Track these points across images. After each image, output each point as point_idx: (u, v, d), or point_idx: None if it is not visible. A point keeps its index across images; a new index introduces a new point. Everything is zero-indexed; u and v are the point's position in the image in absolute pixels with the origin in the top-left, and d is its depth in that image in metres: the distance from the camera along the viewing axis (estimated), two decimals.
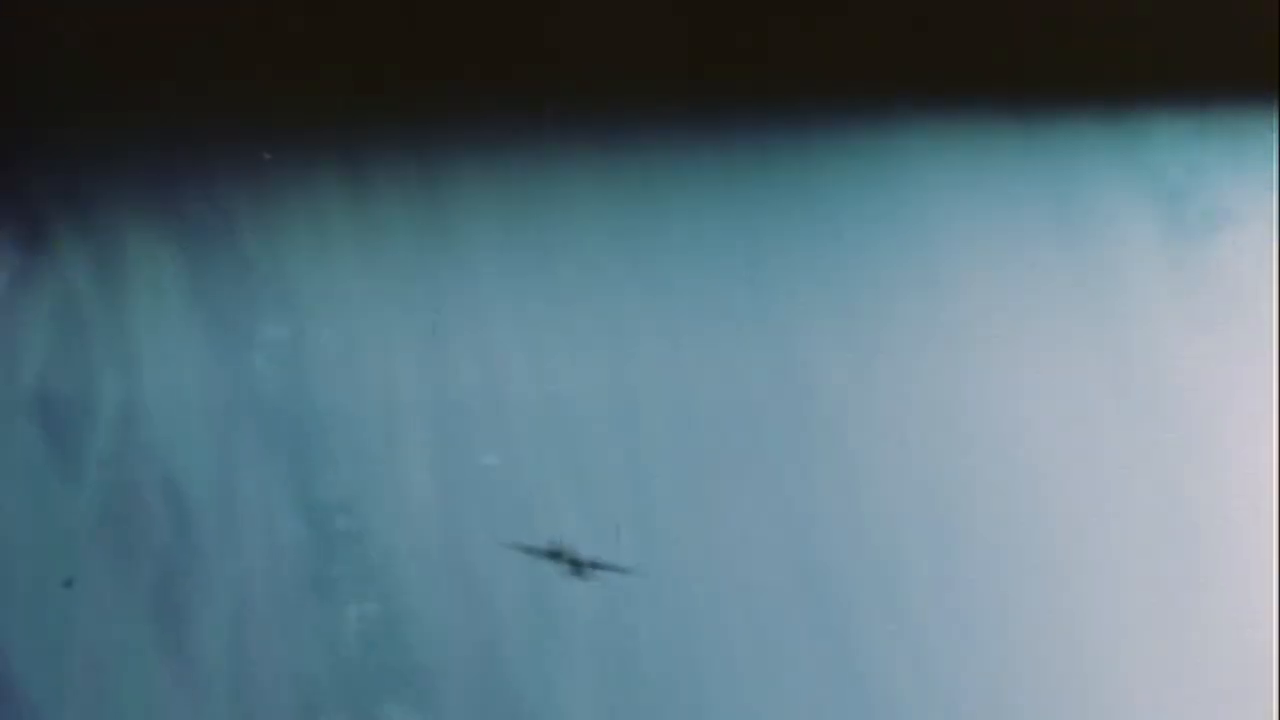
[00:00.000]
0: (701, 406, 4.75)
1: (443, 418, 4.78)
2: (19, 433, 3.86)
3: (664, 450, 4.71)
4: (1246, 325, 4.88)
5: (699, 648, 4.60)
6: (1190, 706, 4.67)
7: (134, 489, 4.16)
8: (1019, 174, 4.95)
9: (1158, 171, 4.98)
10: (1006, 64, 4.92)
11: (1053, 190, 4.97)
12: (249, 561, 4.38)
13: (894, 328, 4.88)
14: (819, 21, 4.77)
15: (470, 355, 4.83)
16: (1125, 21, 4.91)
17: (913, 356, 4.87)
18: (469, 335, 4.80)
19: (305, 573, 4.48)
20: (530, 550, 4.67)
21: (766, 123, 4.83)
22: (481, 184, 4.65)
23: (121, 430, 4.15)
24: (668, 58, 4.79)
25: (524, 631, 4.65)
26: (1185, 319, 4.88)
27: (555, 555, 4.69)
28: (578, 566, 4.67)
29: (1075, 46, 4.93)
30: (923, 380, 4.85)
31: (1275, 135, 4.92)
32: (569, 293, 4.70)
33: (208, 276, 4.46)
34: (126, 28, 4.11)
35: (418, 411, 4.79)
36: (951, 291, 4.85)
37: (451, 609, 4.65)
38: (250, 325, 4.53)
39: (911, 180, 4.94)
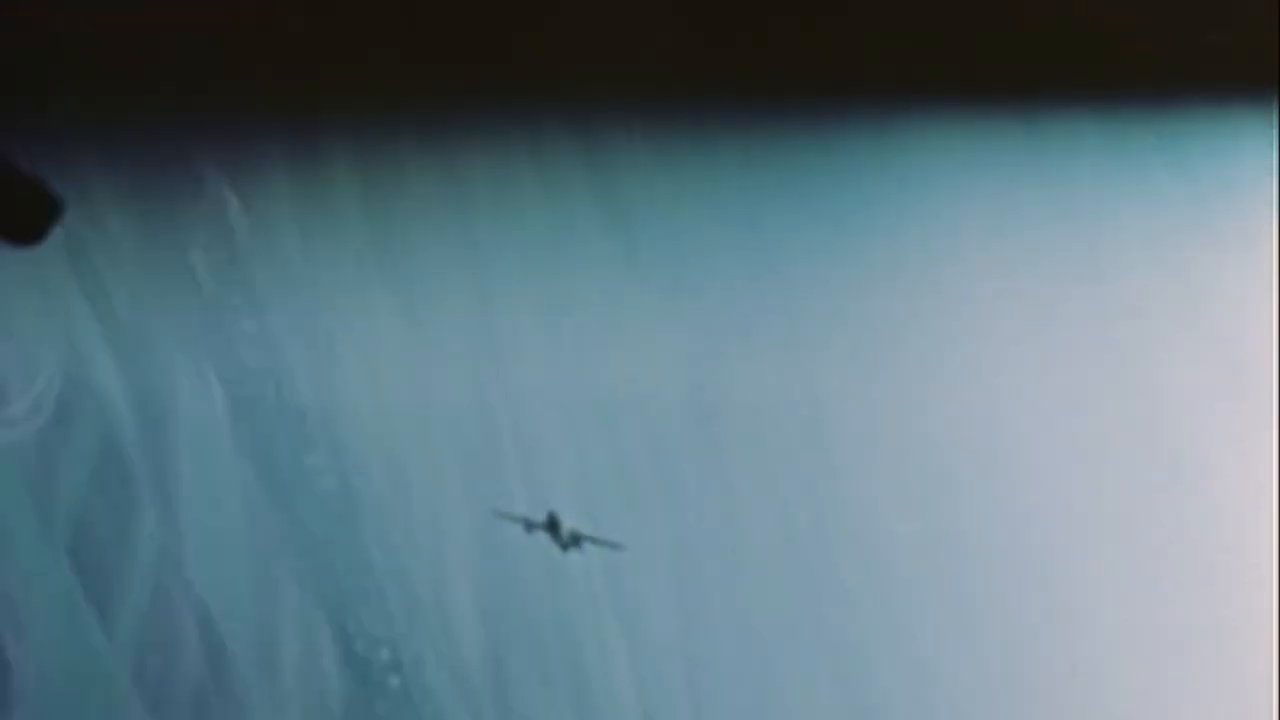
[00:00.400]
0: (714, 408, 4.69)
1: (495, 568, 4.71)
2: (53, 574, 3.76)
3: (686, 454, 4.64)
4: (1247, 323, 4.83)
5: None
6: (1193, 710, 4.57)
7: (172, 633, 4.05)
8: (1020, 172, 4.91)
9: (1157, 170, 4.95)
10: (1008, 64, 4.87)
11: (1052, 187, 4.95)
12: (288, 712, 4.25)
13: (893, 326, 4.81)
14: (819, 21, 4.72)
15: (525, 502, 4.77)
16: (1126, 22, 4.87)
17: (912, 356, 4.81)
18: (526, 494, 4.75)
19: None
20: (525, 521, 4.56)
21: (770, 123, 4.79)
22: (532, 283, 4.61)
23: (161, 573, 4.05)
24: (670, 57, 4.74)
25: None
26: (1185, 317, 4.85)
27: (551, 527, 4.60)
28: (575, 539, 4.59)
29: (1075, 46, 4.89)
30: (920, 377, 4.79)
31: (1275, 135, 4.90)
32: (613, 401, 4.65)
33: (257, 420, 4.39)
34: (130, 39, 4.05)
35: (470, 562, 4.71)
36: (953, 289, 4.80)
37: None
38: (299, 470, 4.45)
39: (912, 180, 4.89)
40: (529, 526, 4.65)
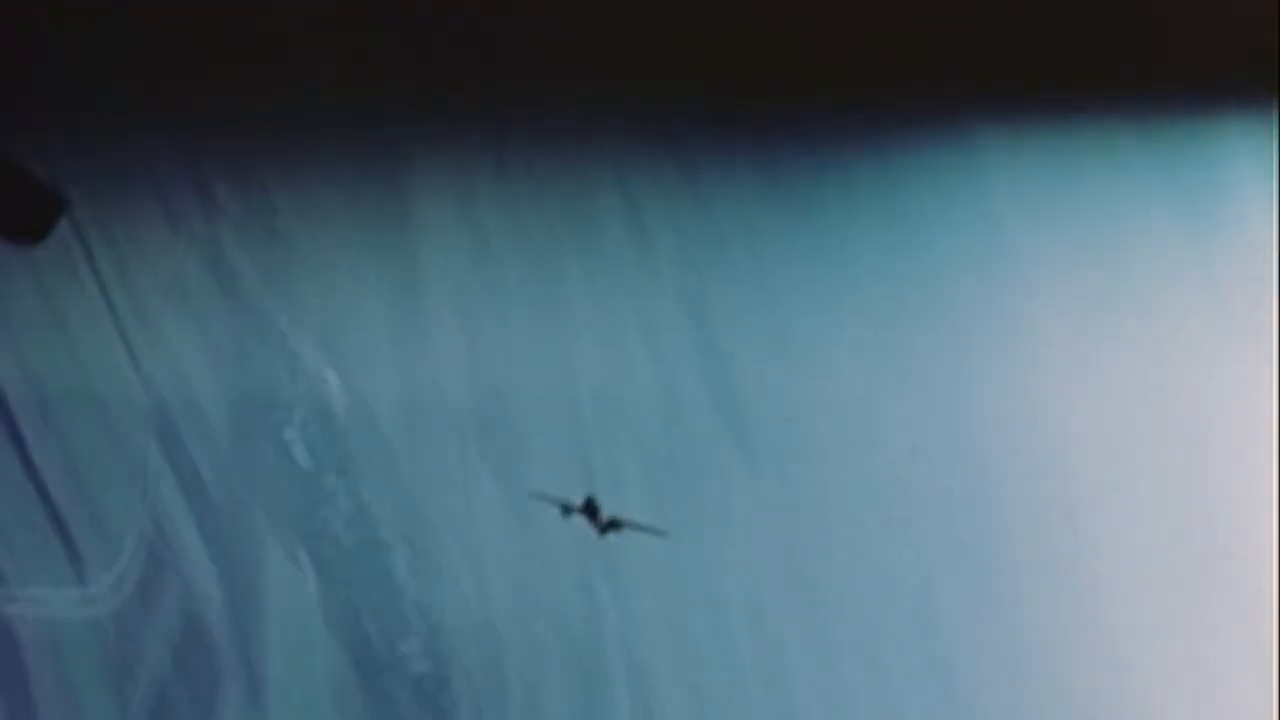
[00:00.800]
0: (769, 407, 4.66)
1: None
2: None
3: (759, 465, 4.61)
4: (1247, 321, 4.78)
5: None
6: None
7: None
8: (1032, 174, 4.93)
9: (1161, 169, 4.97)
10: (1021, 71, 4.84)
11: (1060, 185, 4.94)
12: None
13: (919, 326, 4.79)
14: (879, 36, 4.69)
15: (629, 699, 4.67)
16: (1127, 23, 4.81)
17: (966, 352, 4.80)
18: (630, 692, 4.66)
19: None
20: (563, 504, 4.41)
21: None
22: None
23: None
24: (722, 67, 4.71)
25: None
26: (1189, 315, 4.83)
27: (589, 511, 4.46)
28: (614, 524, 4.46)
29: (1080, 50, 4.84)
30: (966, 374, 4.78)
31: (1275, 135, 4.88)
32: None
33: (350, 601, 4.30)
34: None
35: None
36: (1000, 291, 4.80)
37: None
38: (392, 652, 4.35)
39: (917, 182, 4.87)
40: (566, 510, 4.55)
